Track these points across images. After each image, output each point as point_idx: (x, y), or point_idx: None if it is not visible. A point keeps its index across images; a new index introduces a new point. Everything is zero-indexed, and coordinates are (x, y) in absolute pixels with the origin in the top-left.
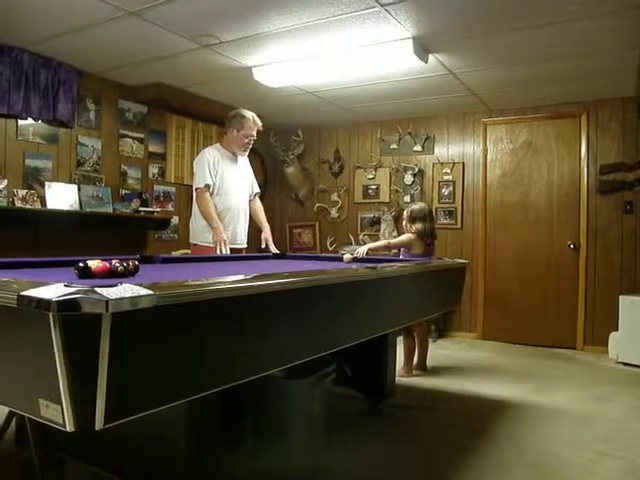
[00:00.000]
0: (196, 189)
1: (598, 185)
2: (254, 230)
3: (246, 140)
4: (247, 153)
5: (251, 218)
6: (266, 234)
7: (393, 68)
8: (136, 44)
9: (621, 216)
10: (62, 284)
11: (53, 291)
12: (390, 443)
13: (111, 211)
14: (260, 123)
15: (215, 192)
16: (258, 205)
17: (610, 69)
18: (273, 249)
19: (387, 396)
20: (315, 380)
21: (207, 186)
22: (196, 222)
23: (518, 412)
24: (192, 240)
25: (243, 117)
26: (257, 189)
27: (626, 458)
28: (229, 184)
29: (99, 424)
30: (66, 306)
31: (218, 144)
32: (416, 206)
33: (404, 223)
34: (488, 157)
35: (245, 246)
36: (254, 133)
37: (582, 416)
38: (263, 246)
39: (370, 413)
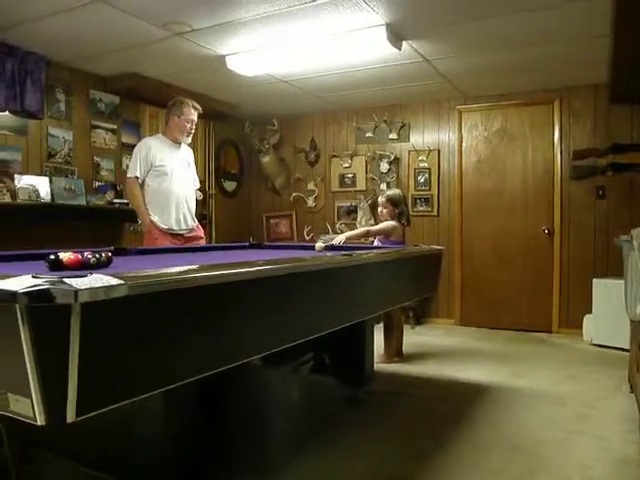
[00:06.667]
0: (128, 178)
1: (571, 171)
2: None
3: (188, 125)
4: (190, 139)
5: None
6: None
7: (367, 55)
8: (105, 32)
9: (594, 201)
10: (29, 275)
11: (20, 282)
12: (369, 429)
13: (85, 203)
14: (200, 107)
15: (158, 178)
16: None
17: (582, 56)
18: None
19: (366, 383)
20: (294, 368)
21: (136, 177)
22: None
23: (495, 395)
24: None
25: (182, 103)
26: (197, 184)
27: (599, 436)
28: (172, 170)
29: (70, 417)
30: (34, 297)
31: (160, 134)
32: (391, 191)
33: (380, 210)
34: (463, 144)
35: (192, 228)
36: (195, 118)
37: (557, 397)
38: None
39: (349, 400)
